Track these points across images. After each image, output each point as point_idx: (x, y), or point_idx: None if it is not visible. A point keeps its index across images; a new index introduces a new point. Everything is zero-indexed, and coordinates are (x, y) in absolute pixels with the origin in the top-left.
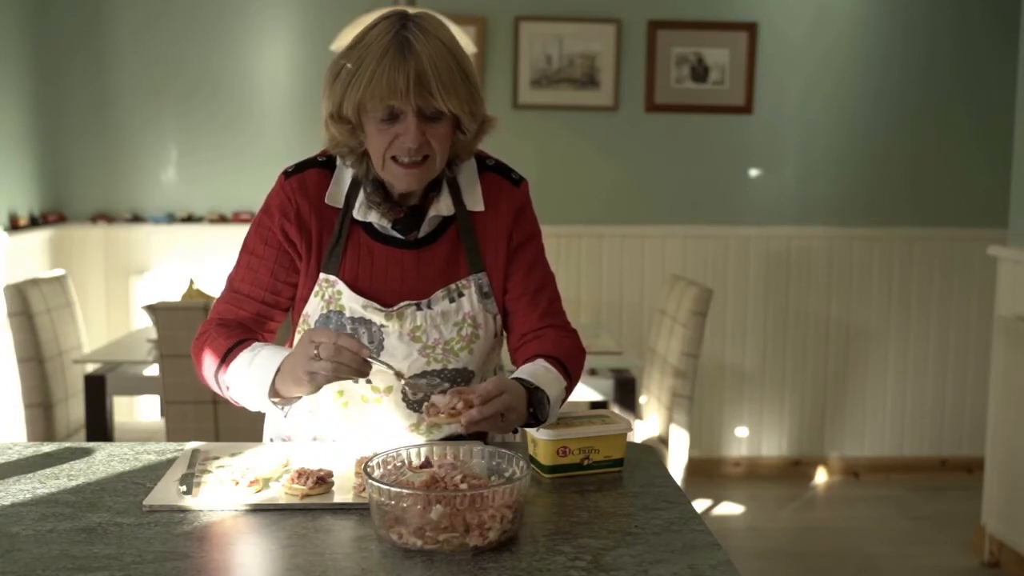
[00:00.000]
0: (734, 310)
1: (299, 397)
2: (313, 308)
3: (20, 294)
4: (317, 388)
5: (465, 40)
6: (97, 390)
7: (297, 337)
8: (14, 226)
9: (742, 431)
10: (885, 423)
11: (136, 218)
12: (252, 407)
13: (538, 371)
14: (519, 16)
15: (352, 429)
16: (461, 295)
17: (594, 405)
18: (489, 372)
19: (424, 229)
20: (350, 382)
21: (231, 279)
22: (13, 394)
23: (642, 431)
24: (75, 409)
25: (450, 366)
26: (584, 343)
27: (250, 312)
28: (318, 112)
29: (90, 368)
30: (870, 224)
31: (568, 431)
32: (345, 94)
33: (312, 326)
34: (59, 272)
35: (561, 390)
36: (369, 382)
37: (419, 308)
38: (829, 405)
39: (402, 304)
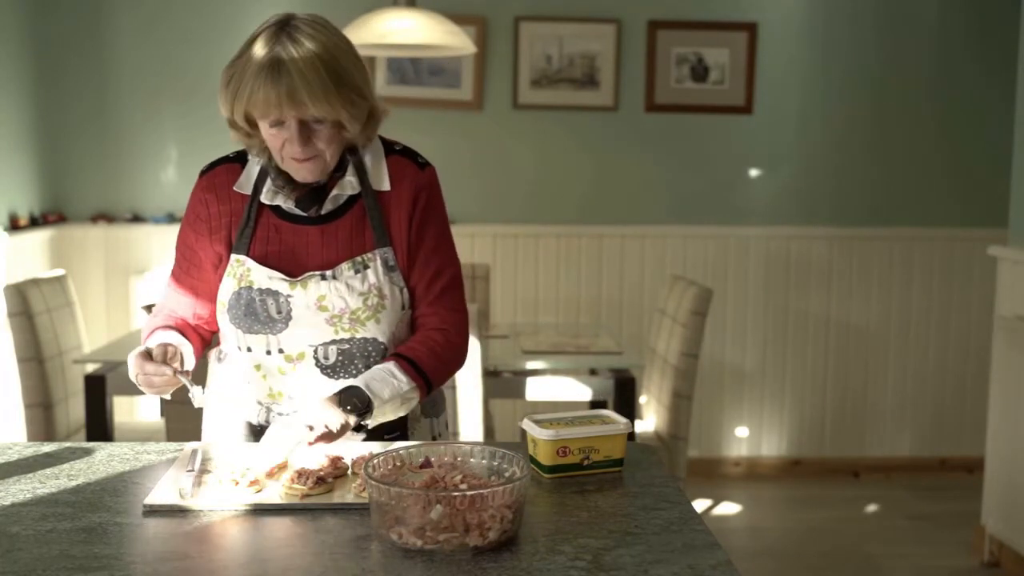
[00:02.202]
0: (734, 310)
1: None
2: (226, 289)
3: (20, 294)
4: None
5: (464, 40)
6: (97, 390)
7: (219, 321)
8: (14, 226)
9: (742, 431)
10: (885, 423)
11: (136, 218)
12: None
13: (374, 374)
14: (519, 16)
15: (276, 401)
16: (367, 267)
17: (594, 405)
18: (401, 344)
19: (327, 206)
20: (263, 355)
21: (169, 277)
22: (13, 394)
23: (642, 431)
24: (75, 409)
25: (358, 335)
26: (584, 343)
27: (184, 306)
28: None
29: (90, 368)
30: (870, 224)
31: (568, 431)
32: (234, 105)
33: (226, 305)
34: (59, 272)
35: (396, 393)
36: (282, 351)
37: (323, 278)
38: (829, 405)
39: (306, 274)
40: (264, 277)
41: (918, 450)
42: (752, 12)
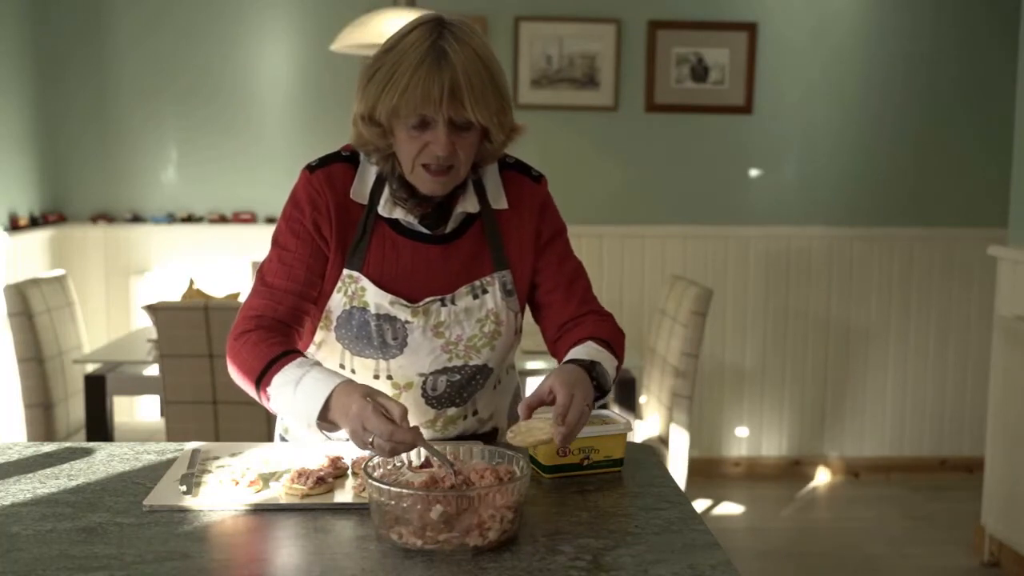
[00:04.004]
0: (734, 310)
1: None
2: (336, 304)
3: (20, 294)
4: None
5: None
6: (97, 390)
7: (318, 334)
8: (14, 226)
9: (742, 431)
10: (885, 423)
11: (136, 218)
12: (293, 425)
13: (591, 351)
14: (519, 16)
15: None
16: (485, 292)
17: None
18: (504, 370)
19: (450, 225)
20: (370, 379)
21: (263, 273)
22: (13, 394)
23: (642, 431)
24: (75, 409)
25: (471, 362)
26: None
27: (287, 307)
28: (319, 113)
29: (90, 368)
30: (870, 224)
31: None
32: (379, 99)
33: (334, 322)
34: (59, 272)
35: (613, 367)
36: (390, 378)
37: (443, 304)
38: (829, 405)
39: (427, 300)
40: (384, 301)
41: (918, 450)
42: (752, 12)
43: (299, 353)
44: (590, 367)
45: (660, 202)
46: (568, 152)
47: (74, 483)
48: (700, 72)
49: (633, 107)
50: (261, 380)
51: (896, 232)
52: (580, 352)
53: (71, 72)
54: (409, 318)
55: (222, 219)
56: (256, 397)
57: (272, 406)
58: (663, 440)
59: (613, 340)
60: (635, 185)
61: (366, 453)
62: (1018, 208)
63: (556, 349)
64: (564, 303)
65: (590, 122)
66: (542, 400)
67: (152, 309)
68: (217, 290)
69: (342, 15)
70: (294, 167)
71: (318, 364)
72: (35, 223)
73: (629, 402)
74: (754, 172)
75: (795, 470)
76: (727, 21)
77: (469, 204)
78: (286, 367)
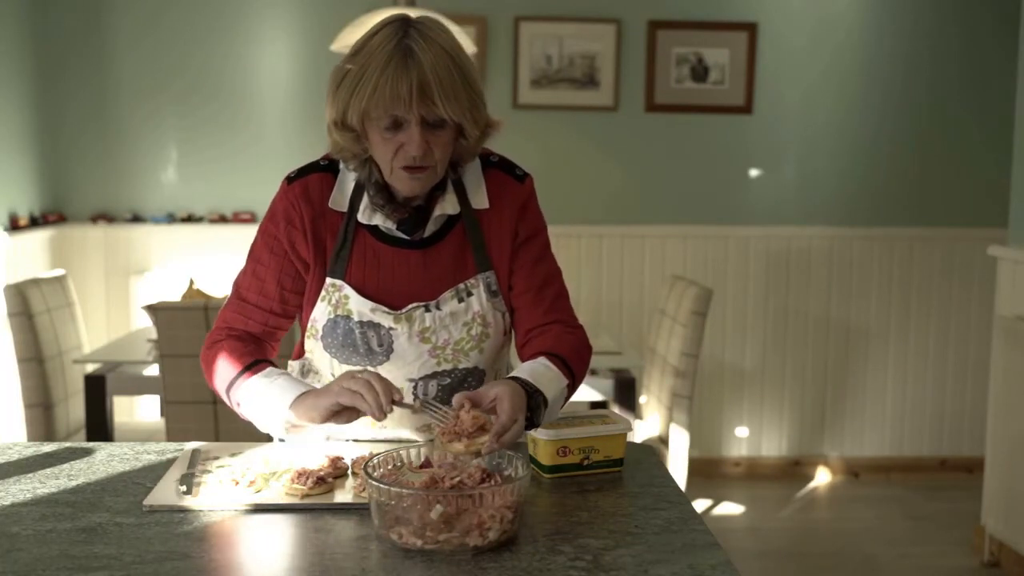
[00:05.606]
0: (734, 310)
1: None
2: (320, 313)
3: (20, 294)
4: (328, 411)
5: (465, 40)
6: (97, 390)
7: (307, 343)
8: (14, 226)
9: (742, 431)
10: (885, 423)
11: (136, 218)
12: (261, 428)
13: (538, 369)
14: (519, 16)
15: (363, 427)
16: (470, 294)
17: (594, 405)
18: (501, 370)
19: (429, 228)
20: None
21: (238, 286)
22: (13, 394)
23: (642, 431)
24: (75, 409)
25: (460, 366)
26: None
27: (258, 322)
28: (318, 112)
29: (90, 368)
30: (870, 224)
31: (568, 431)
32: (349, 103)
33: (320, 331)
34: (59, 272)
35: (561, 389)
36: None
37: (427, 309)
38: (829, 405)
39: (410, 306)
40: (365, 309)
41: (918, 450)
42: (752, 12)
43: (267, 363)
44: (530, 396)
45: (660, 202)
46: (568, 152)
47: (74, 483)
48: (700, 72)
49: (633, 107)
50: (231, 387)
51: (896, 232)
52: (527, 370)
53: (71, 72)
54: (392, 325)
55: (222, 219)
56: (227, 402)
57: (241, 411)
58: (663, 440)
59: (571, 357)
60: (635, 185)
61: (366, 453)
62: (1018, 208)
63: (522, 356)
64: (532, 308)
65: (590, 122)
66: (480, 404)
67: (152, 309)
68: (217, 290)
69: (342, 15)
70: (294, 167)
71: (285, 373)
72: (35, 223)
73: (629, 402)
74: (754, 172)
75: (795, 470)
76: (727, 21)
77: (448, 205)
78: (254, 376)
